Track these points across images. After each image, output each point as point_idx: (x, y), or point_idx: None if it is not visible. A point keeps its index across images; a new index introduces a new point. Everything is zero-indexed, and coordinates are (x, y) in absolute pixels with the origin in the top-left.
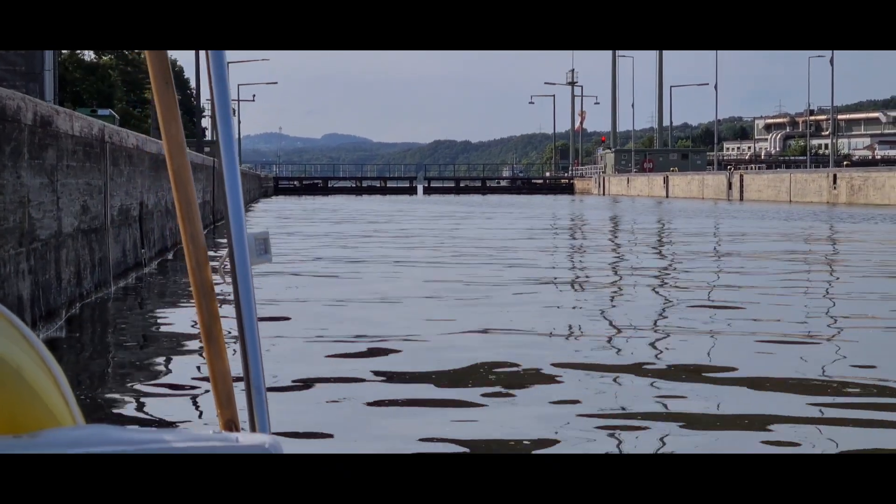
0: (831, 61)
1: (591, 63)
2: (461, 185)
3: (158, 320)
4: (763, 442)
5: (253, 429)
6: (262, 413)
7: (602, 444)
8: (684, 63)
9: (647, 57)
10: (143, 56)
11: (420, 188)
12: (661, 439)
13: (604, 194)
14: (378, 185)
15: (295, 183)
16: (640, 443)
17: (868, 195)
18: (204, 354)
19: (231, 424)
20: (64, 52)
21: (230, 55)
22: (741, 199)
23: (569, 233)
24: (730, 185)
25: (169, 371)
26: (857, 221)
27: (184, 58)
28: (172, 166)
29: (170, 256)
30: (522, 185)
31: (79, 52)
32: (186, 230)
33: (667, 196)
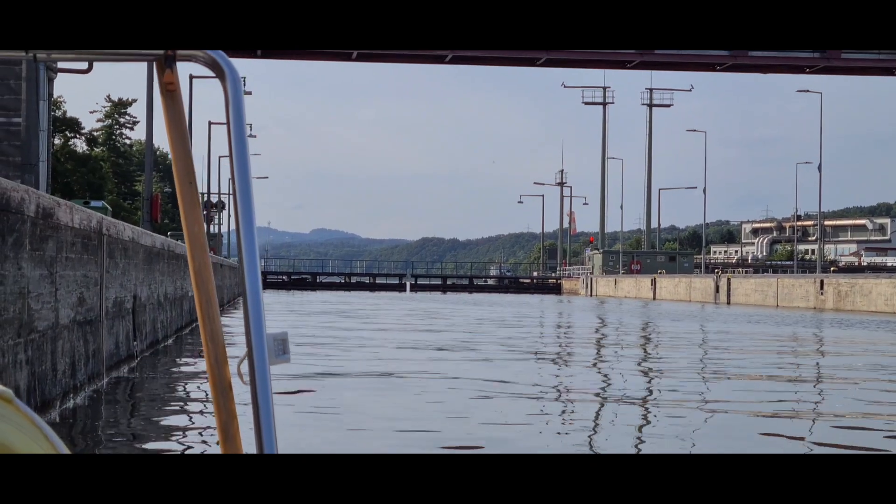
0: (819, 168)
1: (581, 164)
2: (448, 283)
3: (151, 419)
4: None
5: None
6: None
7: None
8: (673, 166)
9: (637, 159)
10: (134, 148)
11: (408, 285)
12: None
13: (591, 295)
14: (367, 282)
15: (283, 277)
16: None
17: (855, 301)
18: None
19: None
20: (56, 142)
21: (220, 150)
22: (728, 302)
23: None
24: (717, 289)
25: None
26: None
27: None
28: (194, 265)
29: (163, 346)
30: (510, 285)
31: (70, 143)
32: (206, 328)
33: (654, 298)
